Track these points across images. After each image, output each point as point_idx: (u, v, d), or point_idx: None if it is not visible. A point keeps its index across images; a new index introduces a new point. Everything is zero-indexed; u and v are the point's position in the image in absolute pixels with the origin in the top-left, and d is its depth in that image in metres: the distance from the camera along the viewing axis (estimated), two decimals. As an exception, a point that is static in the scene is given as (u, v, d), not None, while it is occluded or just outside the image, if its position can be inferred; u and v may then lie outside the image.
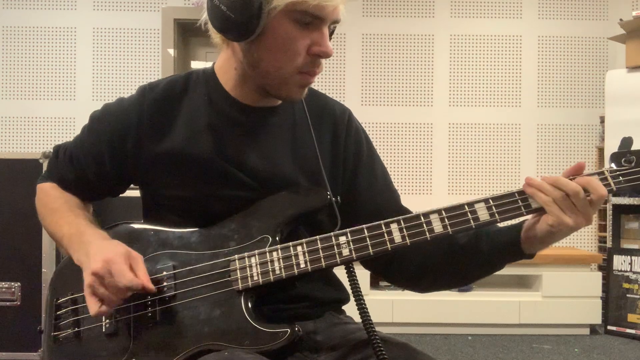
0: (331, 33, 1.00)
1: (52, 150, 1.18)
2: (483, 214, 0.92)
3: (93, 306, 0.92)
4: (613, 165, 0.93)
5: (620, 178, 0.91)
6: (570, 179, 0.89)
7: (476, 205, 0.92)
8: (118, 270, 0.90)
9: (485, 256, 1.00)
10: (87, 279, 0.92)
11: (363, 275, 3.21)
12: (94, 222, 1.08)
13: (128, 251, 0.95)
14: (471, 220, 0.92)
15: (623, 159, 0.92)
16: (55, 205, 1.10)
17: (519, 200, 0.92)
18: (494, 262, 1.01)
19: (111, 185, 1.12)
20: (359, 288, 0.96)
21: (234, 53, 1.02)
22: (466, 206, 0.92)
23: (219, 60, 1.08)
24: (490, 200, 0.92)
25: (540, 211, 0.92)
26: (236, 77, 1.04)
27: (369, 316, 0.93)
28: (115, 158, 1.06)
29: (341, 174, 1.10)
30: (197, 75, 1.10)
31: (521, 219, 0.95)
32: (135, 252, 0.96)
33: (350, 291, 0.99)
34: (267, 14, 0.90)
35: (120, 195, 1.18)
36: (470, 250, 1.00)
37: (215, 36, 1.02)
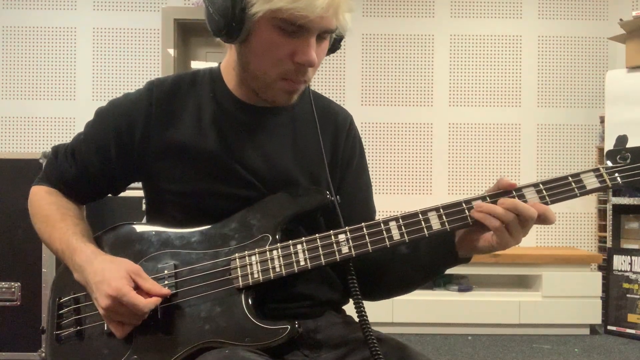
0: (339, 41, 1.01)
1: (50, 151, 1.16)
2: None
3: (117, 331, 0.95)
4: (609, 162, 0.95)
5: (616, 174, 0.93)
6: (510, 197, 0.92)
7: (474, 203, 0.93)
8: (129, 302, 0.91)
9: (426, 266, 1.04)
10: (101, 312, 0.94)
11: (363, 275, 3.18)
12: (85, 232, 1.06)
13: (127, 270, 0.95)
14: (468, 218, 0.93)
15: (618, 156, 0.94)
16: (48, 213, 1.08)
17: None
18: (433, 270, 1.05)
19: (114, 180, 1.11)
20: (357, 289, 0.97)
21: (232, 53, 1.04)
22: (464, 203, 0.94)
23: (224, 61, 1.10)
24: (487, 198, 0.94)
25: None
26: (235, 77, 1.06)
27: (366, 316, 0.94)
28: (122, 150, 1.06)
29: (337, 177, 1.12)
30: (203, 73, 1.11)
31: None
32: (133, 264, 0.97)
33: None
34: (249, 19, 0.92)
35: (121, 195, 1.17)
36: (411, 260, 1.05)
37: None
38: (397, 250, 1.05)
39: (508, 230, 0.90)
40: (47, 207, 1.09)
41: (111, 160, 1.07)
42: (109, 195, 1.16)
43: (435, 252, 1.02)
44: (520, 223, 0.90)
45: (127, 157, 1.07)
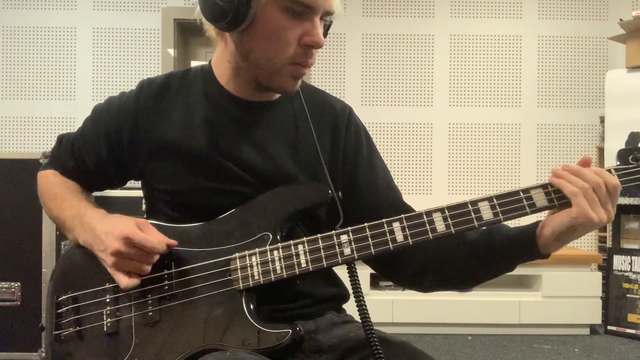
0: (327, 28, 1.00)
1: (49, 152, 1.20)
2: (487, 213, 0.90)
3: (123, 280, 0.94)
4: (619, 163, 0.91)
5: (627, 177, 0.89)
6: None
7: (480, 204, 0.91)
8: (141, 241, 0.92)
9: (498, 253, 0.97)
10: (109, 259, 0.95)
11: (363, 274, 3.20)
12: (95, 204, 1.09)
13: (135, 220, 0.97)
14: (474, 220, 0.90)
15: (630, 157, 0.90)
16: (56, 190, 1.11)
17: (524, 199, 0.90)
18: (506, 260, 0.98)
19: (109, 175, 1.12)
20: (360, 287, 0.95)
21: (226, 45, 1.02)
22: (469, 205, 0.91)
23: (214, 56, 1.09)
24: (494, 199, 0.91)
25: (547, 209, 0.91)
26: (230, 70, 1.04)
27: (368, 316, 0.93)
28: (112, 149, 1.08)
29: (340, 171, 1.10)
30: (195, 70, 1.11)
31: (525, 218, 0.93)
32: (141, 218, 0.98)
33: (350, 290, 0.99)
34: (257, 2, 0.91)
35: (121, 194, 1.18)
36: (482, 246, 0.98)
37: (210, 29, 1.03)
38: (464, 238, 0.99)
39: (587, 202, 0.85)
40: (55, 186, 1.12)
41: (103, 157, 1.09)
42: (108, 189, 1.19)
43: (513, 244, 0.95)
44: (595, 193, 0.85)
45: (118, 157, 1.08)
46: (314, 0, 0.92)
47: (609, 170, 0.90)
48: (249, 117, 1.06)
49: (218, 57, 1.07)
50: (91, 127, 1.11)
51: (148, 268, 0.95)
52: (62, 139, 1.16)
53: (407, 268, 1.05)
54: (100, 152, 1.09)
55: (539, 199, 0.90)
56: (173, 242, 0.96)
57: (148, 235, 0.94)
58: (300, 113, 1.08)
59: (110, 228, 0.95)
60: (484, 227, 0.93)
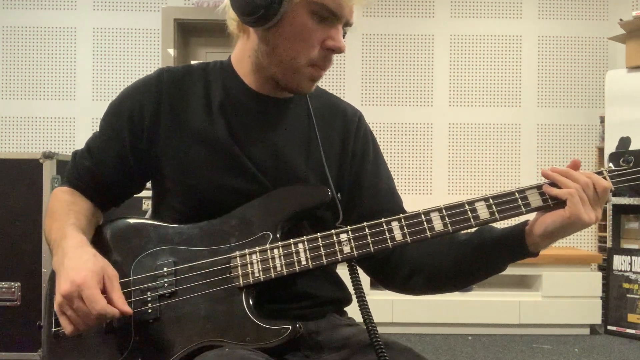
0: (342, 36, 1.02)
1: (53, 152, 1.17)
2: (483, 213, 0.93)
3: (66, 326, 0.88)
4: (611, 165, 0.95)
5: (619, 178, 0.93)
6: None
7: (476, 204, 0.93)
8: (89, 297, 0.85)
9: (489, 252, 0.99)
10: (57, 298, 0.88)
11: (363, 275, 3.20)
12: (84, 227, 1.03)
13: (102, 268, 0.90)
14: (471, 219, 0.93)
15: (621, 159, 0.94)
16: (55, 208, 1.06)
17: (519, 199, 0.93)
18: (495, 258, 1.00)
19: (130, 171, 1.07)
20: (362, 287, 0.96)
21: (249, 40, 1.04)
22: (466, 205, 0.93)
23: (234, 51, 1.11)
24: (491, 199, 0.93)
25: (540, 210, 0.94)
26: (250, 65, 1.06)
27: (371, 316, 0.93)
28: (134, 133, 1.05)
29: (347, 173, 1.12)
30: (214, 64, 1.12)
31: (521, 218, 0.95)
32: (112, 269, 0.92)
33: (352, 291, 0.99)
34: (288, 2, 0.94)
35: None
36: (473, 246, 1.00)
37: (232, 24, 1.05)
38: (454, 238, 1.01)
39: (580, 201, 0.89)
40: (57, 203, 1.08)
41: (125, 147, 1.05)
42: (126, 196, 1.14)
43: (502, 241, 0.98)
44: (584, 194, 0.89)
45: (139, 139, 1.05)
46: (341, 9, 0.96)
47: (600, 172, 0.93)
48: (264, 111, 1.07)
49: (238, 52, 1.09)
50: (109, 118, 1.08)
51: (88, 327, 0.88)
52: (75, 153, 1.12)
53: (399, 271, 1.08)
54: (123, 138, 1.05)
55: (534, 199, 0.93)
56: (128, 310, 0.88)
57: (99, 298, 0.85)
58: (312, 112, 1.11)
59: (74, 266, 0.88)
60: (476, 228, 0.96)
